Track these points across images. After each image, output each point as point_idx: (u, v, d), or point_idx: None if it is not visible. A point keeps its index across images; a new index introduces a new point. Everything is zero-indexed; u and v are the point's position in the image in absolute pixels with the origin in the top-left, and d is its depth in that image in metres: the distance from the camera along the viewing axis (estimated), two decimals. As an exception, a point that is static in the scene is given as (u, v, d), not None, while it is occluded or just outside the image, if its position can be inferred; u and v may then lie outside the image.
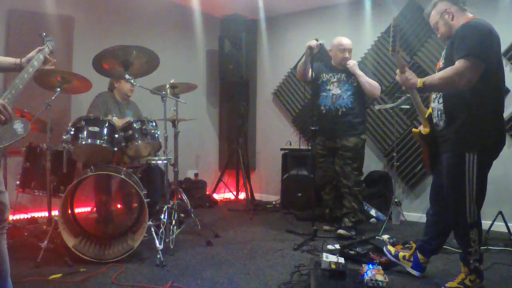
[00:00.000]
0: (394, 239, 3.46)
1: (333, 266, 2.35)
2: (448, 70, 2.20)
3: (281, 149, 5.15)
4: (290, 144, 5.24)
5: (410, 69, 2.43)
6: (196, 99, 5.39)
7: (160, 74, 3.59)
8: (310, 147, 4.72)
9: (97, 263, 2.79)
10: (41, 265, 2.70)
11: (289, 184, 4.89)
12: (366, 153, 3.95)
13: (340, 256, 2.52)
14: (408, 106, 3.86)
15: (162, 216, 3.14)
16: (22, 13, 3.88)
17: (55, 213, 2.94)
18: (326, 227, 3.93)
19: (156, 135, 3.29)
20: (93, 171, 2.94)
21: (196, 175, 5.47)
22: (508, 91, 3.96)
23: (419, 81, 2.30)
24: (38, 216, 3.85)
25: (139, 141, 3.19)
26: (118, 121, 3.44)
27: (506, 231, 3.46)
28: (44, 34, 2.34)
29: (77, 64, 4.15)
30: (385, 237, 3.55)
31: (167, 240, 3.11)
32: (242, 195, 5.47)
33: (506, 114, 3.91)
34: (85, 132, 2.96)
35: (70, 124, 3.01)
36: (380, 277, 2.28)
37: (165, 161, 3.28)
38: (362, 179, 3.94)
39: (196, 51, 5.61)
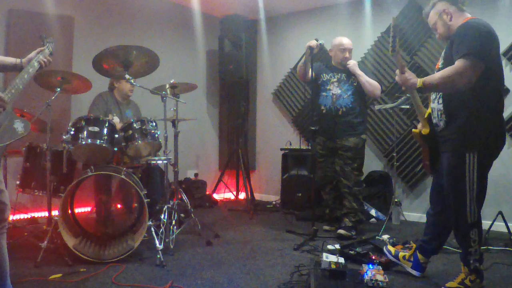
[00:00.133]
0: (394, 239, 3.46)
1: (333, 266, 2.35)
2: (448, 70, 2.20)
3: (281, 149, 5.15)
4: (290, 144, 5.24)
5: (410, 69, 2.43)
6: (196, 99, 5.39)
7: (160, 74, 3.60)
8: (310, 147, 4.72)
9: (97, 263, 2.79)
10: (41, 265, 2.70)
11: (289, 184, 4.89)
12: (366, 153, 3.95)
13: (340, 256, 2.52)
14: (408, 106, 3.86)
15: (162, 216, 3.14)
16: (22, 13, 3.88)
17: (55, 213, 2.94)
18: (326, 227, 3.93)
19: (156, 135, 3.30)
20: (93, 171, 2.94)
21: (196, 175, 5.47)
22: (508, 91, 3.96)
23: (418, 81, 2.30)
24: (38, 216, 3.85)
25: (139, 141, 3.19)
26: (118, 124, 3.44)
27: (506, 231, 3.46)
28: (44, 35, 2.35)
29: (77, 64, 4.15)
30: (385, 237, 3.55)
31: (167, 240, 3.11)
32: (242, 195, 5.47)
33: (506, 114, 3.92)
34: (85, 132, 2.96)
35: (70, 124, 3.02)
36: (380, 277, 2.28)
37: (165, 161, 3.27)
38: (362, 179, 3.94)
39: (196, 51, 5.61)
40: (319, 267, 2.39)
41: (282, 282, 2.53)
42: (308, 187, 4.60)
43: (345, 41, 3.77)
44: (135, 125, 3.22)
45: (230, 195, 5.65)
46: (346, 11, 4.98)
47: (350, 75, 3.75)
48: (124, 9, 4.74)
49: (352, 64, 3.73)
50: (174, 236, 3.17)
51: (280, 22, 5.66)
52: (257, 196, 5.62)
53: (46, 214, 3.16)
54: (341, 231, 3.63)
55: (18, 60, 2.15)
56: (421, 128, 2.47)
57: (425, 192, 4.33)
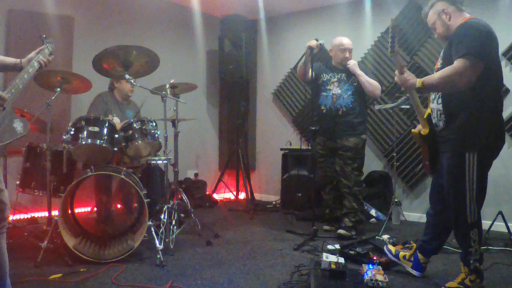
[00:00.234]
0: (394, 239, 3.46)
1: (333, 266, 2.35)
2: (447, 70, 2.20)
3: (281, 149, 5.15)
4: (290, 144, 5.24)
5: (410, 70, 2.43)
6: (196, 99, 5.39)
7: (160, 74, 3.59)
8: (310, 147, 4.72)
9: (97, 263, 2.79)
10: (41, 265, 2.70)
11: (289, 184, 4.89)
12: (366, 153, 3.95)
13: (340, 256, 2.52)
14: (408, 106, 3.86)
15: (162, 216, 3.14)
16: (22, 13, 3.88)
17: (55, 213, 2.94)
18: (326, 227, 3.93)
19: (156, 135, 3.30)
20: (93, 171, 2.94)
21: (196, 175, 5.47)
22: (508, 91, 3.96)
23: (418, 81, 2.29)
24: (38, 216, 3.85)
25: (139, 141, 3.19)
26: (118, 124, 3.44)
27: (506, 231, 3.46)
28: (44, 35, 2.35)
29: (77, 64, 4.15)
30: (385, 237, 3.55)
31: (167, 240, 3.10)
32: (242, 195, 5.47)
33: (506, 114, 3.92)
34: (85, 132, 2.96)
35: (70, 124, 3.02)
36: (380, 277, 2.28)
37: (165, 161, 3.28)
38: (362, 179, 3.94)
39: (196, 51, 5.61)
40: (319, 267, 2.39)
41: (282, 282, 2.52)
42: (308, 187, 4.60)
43: (345, 41, 3.77)
44: (135, 125, 3.22)
45: (230, 195, 5.65)
46: (346, 11, 4.98)
47: (350, 75, 3.75)
48: (124, 9, 4.74)
49: (352, 64, 3.73)
50: (174, 236, 3.17)
51: (280, 22, 5.66)
52: (257, 196, 5.62)
53: (46, 214, 3.16)
54: (341, 231, 3.63)
55: (18, 60, 2.16)
56: (421, 128, 2.47)
57: (425, 192, 4.33)
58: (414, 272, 2.64)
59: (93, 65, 2.98)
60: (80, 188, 3.09)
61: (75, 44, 4.26)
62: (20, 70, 2.08)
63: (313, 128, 3.61)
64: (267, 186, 5.72)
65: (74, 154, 3.02)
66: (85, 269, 2.69)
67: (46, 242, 2.77)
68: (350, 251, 2.94)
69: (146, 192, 3.06)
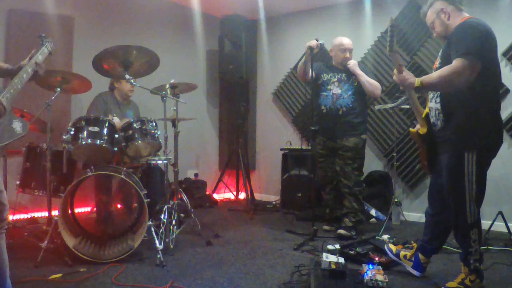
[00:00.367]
0: (394, 239, 3.45)
1: (333, 266, 2.35)
2: (446, 69, 2.20)
3: (281, 149, 5.14)
4: (290, 144, 5.23)
5: (409, 69, 2.43)
6: (196, 99, 5.39)
7: (160, 74, 3.59)
8: (310, 147, 4.72)
9: (97, 263, 2.79)
10: (41, 265, 2.70)
11: (289, 184, 4.89)
12: (366, 153, 3.95)
13: (340, 256, 2.52)
14: (408, 106, 3.86)
15: (162, 216, 3.14)
16: (22, 13, 3.88)
17: (55, 213, 2.93)
18: (326, 227, 3.93)
19: (156, 135, 3.30)
20: (93, 171, 2.94)
21: (196, 175, 5.47)
22: (508, 91, 3.96)
23: (416, 81, 2.29)
24: (38, 216, 3.85)
25: (139, 141, 3.19)
26: (118, 124, 3.44)
27: (506, 231, 3.46)
28: (43, 35, 2.35)
29: (77, 64, 4.15)
30: (385, 237, 3.55)
31: (167, 240, 3.11)
32: (242, 195, 5.47)
33: (506, 114, 3.92)
34: (85, 132, 2.96)
35: (70, 124, 3.02)
36: (380, 277, 2.28)
37: (165, 161, 3.28)
38: (362, 179, 3.94)
39: (196, 51, 5.61)
40: (319, 267, 2.39)
41: (282, 282, 2.52)
42: (308, 187, 4.60)
43: (346, 41, 3.77)
44: (135, 125, 3.22)
45: (230, 195, 5.65)
46: (346, 11, 4.98)
47: (351, 75, 3.75)
48: (124, 9, 4.74)
49: (352, 64, 3.73)
50: (174, 236, 3.17)
51: (280, 22, 5.66)
52: (257, 196, 5.62)
53: (46, 214, 3.16)
54: (341, 231, 3.62)
55: (11, 66, 2.17)
56: (419, 127, 2.47)
57: (425, 192, 4.28)
58: (414, 272, 2.64)
59: (93, 65, 2.98)
60: (80, 188, 3.09)
61: (75, 44, 4.26)
62: (13, 76, 2.08)
63: (313, 128, 3.61)
64: (267, 186, 5.72)
65: (74, 154, 3.02)
66: (85, 269, 2.68)
67: (46, 242, 2.77)
68: (350, 251, 2.94)
69: (146, 192, 3.06)
